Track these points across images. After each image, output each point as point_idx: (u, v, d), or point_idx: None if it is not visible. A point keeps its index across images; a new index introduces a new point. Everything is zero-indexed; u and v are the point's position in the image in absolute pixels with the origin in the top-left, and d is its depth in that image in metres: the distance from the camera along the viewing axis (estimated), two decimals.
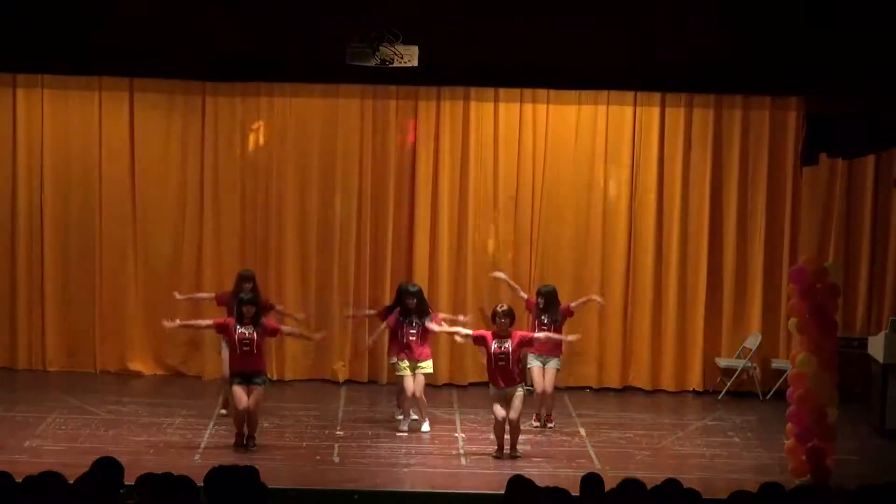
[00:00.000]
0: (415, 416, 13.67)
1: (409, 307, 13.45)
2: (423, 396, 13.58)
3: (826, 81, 13.40)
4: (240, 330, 12.65)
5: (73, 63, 13.83)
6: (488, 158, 15.81)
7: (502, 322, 12.64)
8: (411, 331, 13.45)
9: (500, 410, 12.57)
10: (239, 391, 12.62)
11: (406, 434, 13.47)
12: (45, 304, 15.81)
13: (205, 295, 14.37)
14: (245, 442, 12.73)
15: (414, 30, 11.95)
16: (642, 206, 15.81)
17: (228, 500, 6.95)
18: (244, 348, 12.63)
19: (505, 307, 12.84)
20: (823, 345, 11.88)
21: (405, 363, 13.46)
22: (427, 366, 13.55)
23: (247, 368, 12.64)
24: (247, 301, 12.77)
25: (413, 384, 13.43)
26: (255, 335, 12.64)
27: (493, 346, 12.62)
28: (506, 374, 12.61)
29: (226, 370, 13.44)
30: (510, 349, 12.59)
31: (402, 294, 13.60)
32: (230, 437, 12.89)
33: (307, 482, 11.74)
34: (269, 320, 13.06)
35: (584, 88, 15.26)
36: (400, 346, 13.54)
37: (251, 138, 15.81)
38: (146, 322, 15.74)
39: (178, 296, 14.06)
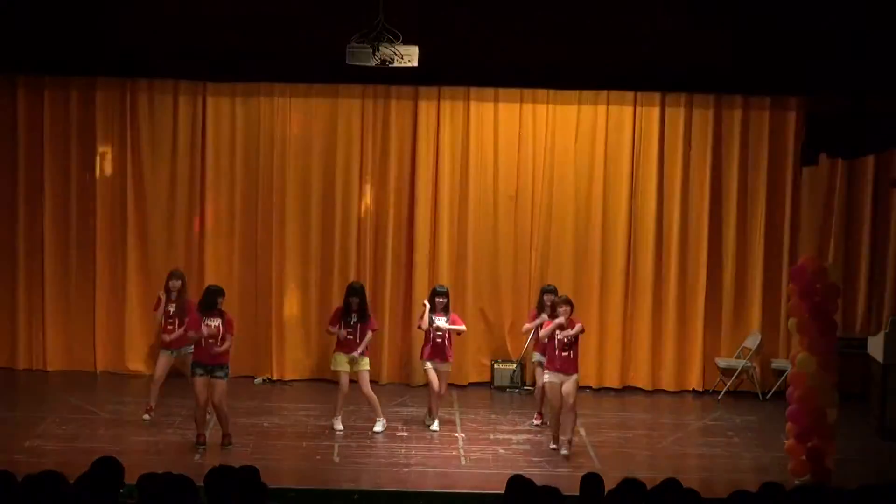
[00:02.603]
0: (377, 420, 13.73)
1: (352, 305, 13.52)
2: (371, 392, 13.65)
3: (826, 81, 13.41)
4: (206, 321, 12.66)
5: (73, 63, 13.84)
6: (488, 158, 15.81)
7: (565, 310, 12.83)
8: (349, 329, 13.52)
9: (558, 401, 12.84)
10: (200, 385, 12.63)
11: (406, 434, 13.51)
12: (45, 304, 15.81)
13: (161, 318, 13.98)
14: (221, 440, 12.74)
15: (414, 30, 11.95)
16: (642, 206, 15.80)
17: (228, 500, 6.95)
18: (209, 339, 12.65)
19: (564, 296, 13.13)
20: (823, 345, 11.88)
21: (342, 357, 13.52)
22: (365, 363, 13.62)
23: (210, 361, 12.65)
24: (215, 291, 12.79)
25: (347, 381, 13.51)
26: (220, 327, 12.67)
27: (557, 333, 12.79)
28: (568, 362, 12.83)
29: (159, 371, 13.60)
30: (573, 337, 12.82)
31: (347, 292, 13.69)
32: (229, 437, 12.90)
33: (307, 482, 11.75)
34: (231, 320, 12.97)
35: (584, 88, 15.26)
36: (339, 340, 13.59)
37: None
38: (146, 322, 15.73)
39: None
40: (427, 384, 13.90)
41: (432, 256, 15.83)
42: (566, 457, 12.72)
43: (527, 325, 14.25)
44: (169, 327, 13.73)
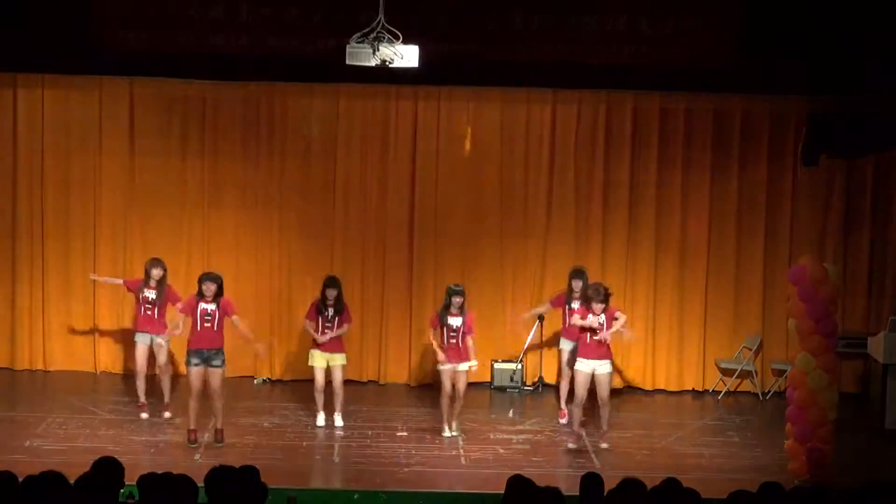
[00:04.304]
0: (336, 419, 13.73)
1: (329, 299, 13.49)
2: (342, 389, 13.66)
3: (826, 81, 13.42)
4: (202, 305, 12.63)
5: (73, 63, 13.85)
6: (488, 158, 15.80)
7: (601, 300, 12.82)
8: (328, 323, 13.50)
9: (584, 391, 12.86)
10: (196, 375, 12.60)
11: (406, 434, 13.51)
12: (45, 304, 15.82)
13: (116, 280, 14.68)
14: (213, 436, 12.72)
15: (414, 30, 11.95)
16: (642, 206, 15.79)
17: (228, 500, 6.95)
18: (205, 324, 12.62)
19: (602, 289, 13.03)
20: (823, 345, 11.88)
21: (319, 354, 13.51)
22: (341, 358, 13.63)
23: (207, 346, 12.59)
24: (207, 278, 12.75)
25: (323, 377, 13.53)
26: (216, 311, 12.64)
27: (589, 318, 12.79)
28: (601, 349, 12.84)
29: (140, 361, 13.61)
30: (605, 325, 12.84)
31: (326, 284, 13.62)
32: (231, 436, 12.90)
33: (307, 482, 11.75)
34: (229, 299, 12.92)
35: (584, 88, 15.25)
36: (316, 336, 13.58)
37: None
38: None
39: (92, 276, 14.83)
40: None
41: (432, 256, 15.83)
42: (606, 450, 12.83)
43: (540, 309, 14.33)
44: (148, 314, 13.69)
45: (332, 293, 13.51)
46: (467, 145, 15.66)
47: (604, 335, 12.82)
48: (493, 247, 15.89)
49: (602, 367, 12.90)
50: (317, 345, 13.55)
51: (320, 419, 13.63)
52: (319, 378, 13.56)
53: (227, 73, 14.31)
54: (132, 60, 13.85)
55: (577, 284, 13.93)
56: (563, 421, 14.02)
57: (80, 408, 14.10)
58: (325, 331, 13.52)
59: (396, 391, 15.61)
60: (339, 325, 13.55)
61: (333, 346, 13.56)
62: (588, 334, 12.87)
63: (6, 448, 12.35)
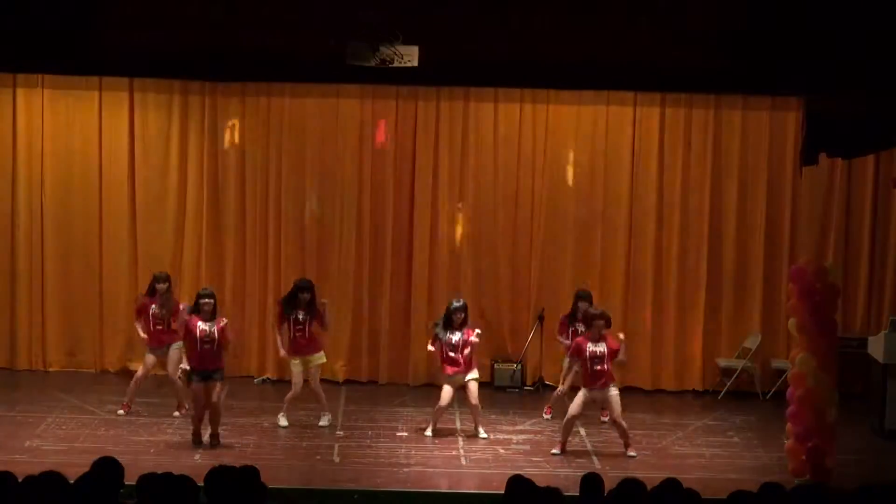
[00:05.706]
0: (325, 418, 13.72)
1: (301, 302, 13.42)
2: (320, 388, 13.64)
3: (826, 81, 13.41)
4: (201, 327, 12.63)
5: (73, 63, 13.83)
6: (488, 158, 15.81)
7: (599, 324, 12.74)
8: (298, 326, 13.45)
9: (579, 411, 12.75)
10: (199, 389, 12.63)
11: (406, 434, 13.51)
12: (45, 304, 15.83)
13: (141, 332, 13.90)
14: (209, 440, 12.76)
15: (414, 30, 11.95)
16: (642, 207, 15.80)
17: (228, 500, 6.95)
18: (205, 346, 12.62)
19: (599, 310, 13.00)
20: (823, 345, 11.87)
21: (296, 360, 13.47)
22: (319, 357, 13.60)
23: (208, 366, 12.63)
24: (205, 295, 12.77)
25: (301, 379, 13.49)
26: (215, 332, 12.64)
27: (589, 348, 12.70)
28: (601, 376, 12.69)
29: (143, 374, 13.73)
30: (606, 351, 12.69)
31: (296, 289, 13.53)
32: (231, 436, 12.91)
33: (307, 482, 11.75)
34: (225, 330, 12.85)
35: (584, 88, 15.26)
36: (290, 342, 13.48)
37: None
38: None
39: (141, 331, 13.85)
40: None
41: (431, 257, 15.83)
42: (633, 458, 12.73)
43: (561, 340, 14.04)
44: (158, 328, 13.71)
45: (304, 297, 13.43)
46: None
47: (621, 358, 12.84)
48: (493, 246, 15.89)
49: (604, 395, 12.78)
50: (288, 350, 13.50)
51: (283, 420, 13.61)
52: (298, 380, 13.52)
53: (227, 73, 14.30)
54: (132, 60, 13.83)
55: (584, 306, 13.92)
56: (547, 417, 14.10)
57: (80, 408, 14.11)
58: (297, 334, 13.45)
59: (396, 391, 15.60)
60: (311, 324, 13.51)
61: (310, 347, 13.53)
62: (588, 364, 12.72)
63: (6, 448, 12.36)
